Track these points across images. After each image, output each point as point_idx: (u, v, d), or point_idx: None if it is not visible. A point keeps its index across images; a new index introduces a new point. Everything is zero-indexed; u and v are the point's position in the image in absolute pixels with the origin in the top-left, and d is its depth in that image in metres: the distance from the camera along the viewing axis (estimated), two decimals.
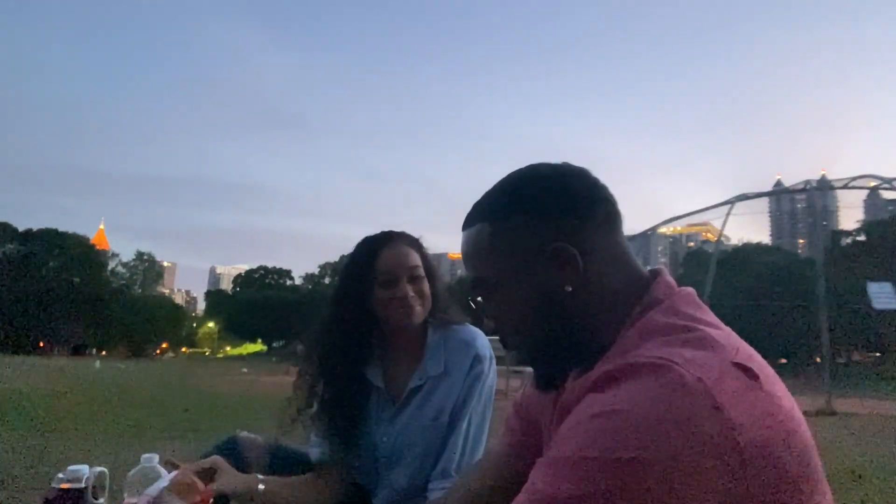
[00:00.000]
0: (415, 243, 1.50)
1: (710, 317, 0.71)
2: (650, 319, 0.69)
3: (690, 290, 0.75)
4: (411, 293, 1.43)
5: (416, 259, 1.46)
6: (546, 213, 0.75)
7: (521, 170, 0.81)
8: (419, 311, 1.45)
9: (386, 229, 1.52)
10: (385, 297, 1.43)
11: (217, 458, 1.25)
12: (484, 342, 1.51)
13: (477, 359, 1.46)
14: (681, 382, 0.57)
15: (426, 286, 1.46)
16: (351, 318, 1.46)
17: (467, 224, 0.80)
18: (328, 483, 1.42)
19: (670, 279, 0.76)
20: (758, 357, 0.66)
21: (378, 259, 1.44)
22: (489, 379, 1.48)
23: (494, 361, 1.52)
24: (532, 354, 0.80)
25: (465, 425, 1.44)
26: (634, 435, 0.55)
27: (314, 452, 1.48)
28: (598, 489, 0.55)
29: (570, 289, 0.73)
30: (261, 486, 1.27)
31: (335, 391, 1.46)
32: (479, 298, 0.81)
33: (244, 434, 1.44)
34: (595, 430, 0.58)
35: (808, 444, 0.62)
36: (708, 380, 0.57)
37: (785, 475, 0.58)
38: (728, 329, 0.70)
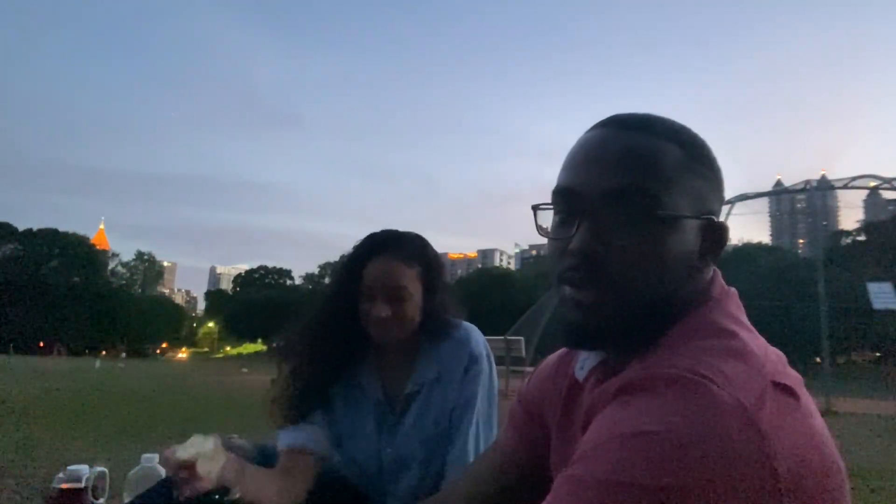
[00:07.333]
0: (412, 255, 1.38)
1: (746, 319, 0.69)
2: (699, 316, 0.67)
3: (734, 290, 0.73)
4: (386, 314, 1.33)
5: (402, 278, 1.34)
6: (713, 185, 0.72)
7: (685, 128, 0.73)
8: (395, 333, 1.36)
9: (394, 228, 1.44)
10: (363, 309, 1.36)
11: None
12: (478, 339, 1.44)
13: (472, 358, 1.40)
14: (719, 404, 0.53)
15: (410, 308, 1.35)
16: (339, 324, 1.39)
17: (637, 127, 0.70)
18: (301, 467, 1.31)
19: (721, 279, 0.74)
20: (790, 369, 0.63)
21: (364, 269, 1.35)
22: (489, 376, 1.42)
23: (493, 357, 1.46)
24: (615, 302, 0.67)
25: (472, 427, 1.38)
26: (669, 460, 0.51)
27: (285, 438, 1.36)
28: None
29: (692, 264, 0.68)
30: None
31: (315, 379, 1.39)
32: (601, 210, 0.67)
33: (234, 439, 1.38)
34: (627, 452, 0.54)
35: (840, 467, 0.60)
36: (748, 403, 0.54)
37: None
38: (760, 336, 0.67)
